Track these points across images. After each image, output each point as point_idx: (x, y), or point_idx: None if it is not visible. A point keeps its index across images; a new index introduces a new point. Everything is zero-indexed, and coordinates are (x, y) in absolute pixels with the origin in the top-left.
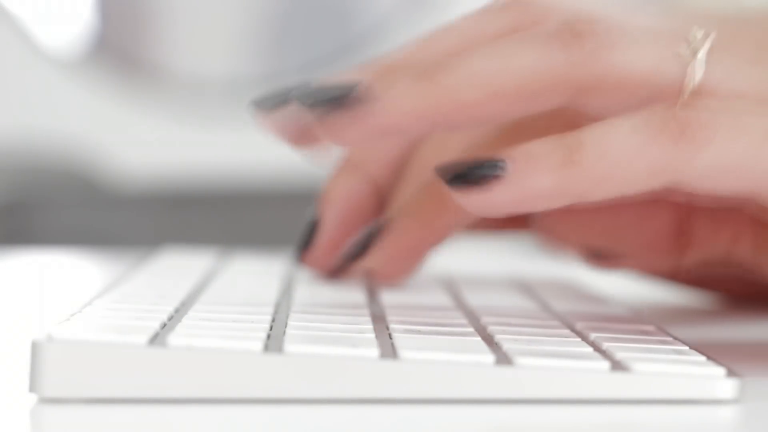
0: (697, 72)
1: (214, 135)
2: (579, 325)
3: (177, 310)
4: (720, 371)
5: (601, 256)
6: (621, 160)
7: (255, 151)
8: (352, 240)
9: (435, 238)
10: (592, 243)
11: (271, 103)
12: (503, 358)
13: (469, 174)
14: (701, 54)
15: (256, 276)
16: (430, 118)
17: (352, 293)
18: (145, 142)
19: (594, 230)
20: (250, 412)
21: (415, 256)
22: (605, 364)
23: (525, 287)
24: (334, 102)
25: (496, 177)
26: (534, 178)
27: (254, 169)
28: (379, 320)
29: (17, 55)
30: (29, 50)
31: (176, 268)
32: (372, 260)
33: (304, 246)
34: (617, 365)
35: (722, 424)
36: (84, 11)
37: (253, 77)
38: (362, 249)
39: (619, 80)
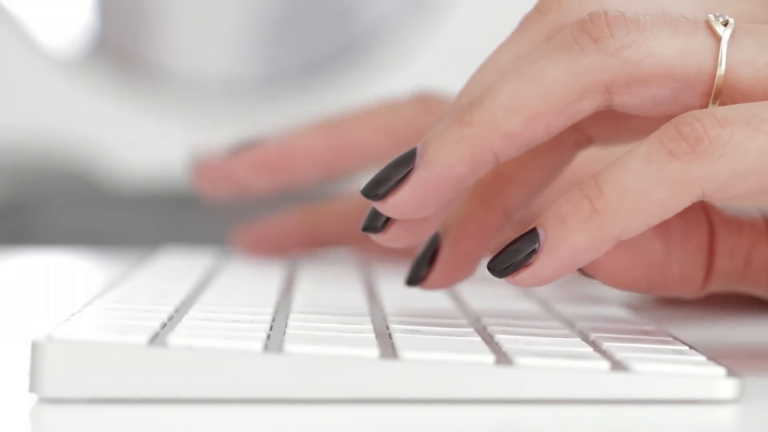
0: (723, 57)
1: (214, 135)
2: (579, 325)
3: (177, 310)
4: (720, 371)
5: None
6: (642, 193)
7: None
8: (416, 257)
9: (487, 241)
10: (646, 278)
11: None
12: (503, 358)
13: (511, 259)
14: (725, 39)
15: (256, 276)
16: (476, 157)
17: (352, 293)
18: (145, 142)
19: (647, 266)
20: (250, 412)
21: (472, 262)
22: (605, 364)
23: (524, 288)
24: (394, 178)
25: (535, 251)
26: (568, 239)
27: None
28: (379, 320)
29: (17, 55)
30: (29, 50)
31: (176, 268)
32: (434, 272)
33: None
34: (617, 365)
35: (722, 424)
36: (84, 11)
37: (253, 77)
38: (428, 263)
39: (646, 75)
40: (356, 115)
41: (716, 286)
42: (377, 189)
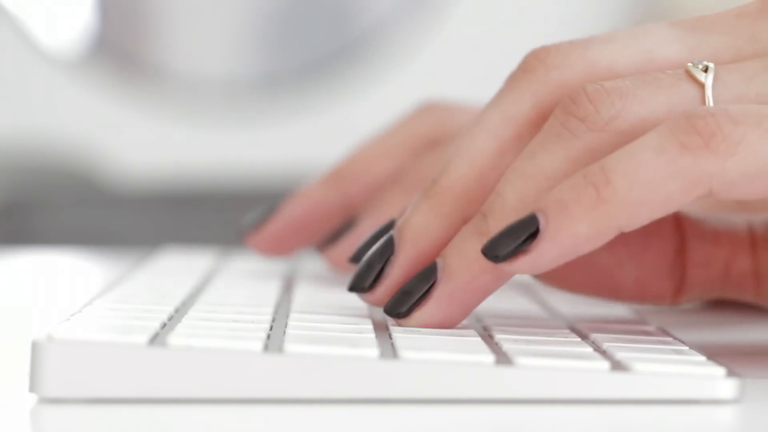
0: (710, 102)
1: (214, 135)
2: (579, 325)
3: (177, 310)
4: (720, 371)
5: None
6: (651, 184)
7: (254, 151)
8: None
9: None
10: (592, 282)
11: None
12: (503, 358)
13: (508, 244)
14: (708, 85)
15: (256, 276)
16: (498, 267)
17: (352, 294)
18: (144, 142)
19: (593, 270)
20: (250, 412)
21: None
22: (605, 364)
23: (525, 288)
24: (417, 293)
25: (535, 237)
26: (570, 227)
27: (254, 169)
28: (379, 320)
29: (17, 55)
30: (29, 50)
31: (176, 268)
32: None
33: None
34: (617, 365)
35: (722, 424)
36: (84, 11)
37: (253, 77)
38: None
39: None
40: (360, 153)
41: (697, 294)
42: (401, 306)
